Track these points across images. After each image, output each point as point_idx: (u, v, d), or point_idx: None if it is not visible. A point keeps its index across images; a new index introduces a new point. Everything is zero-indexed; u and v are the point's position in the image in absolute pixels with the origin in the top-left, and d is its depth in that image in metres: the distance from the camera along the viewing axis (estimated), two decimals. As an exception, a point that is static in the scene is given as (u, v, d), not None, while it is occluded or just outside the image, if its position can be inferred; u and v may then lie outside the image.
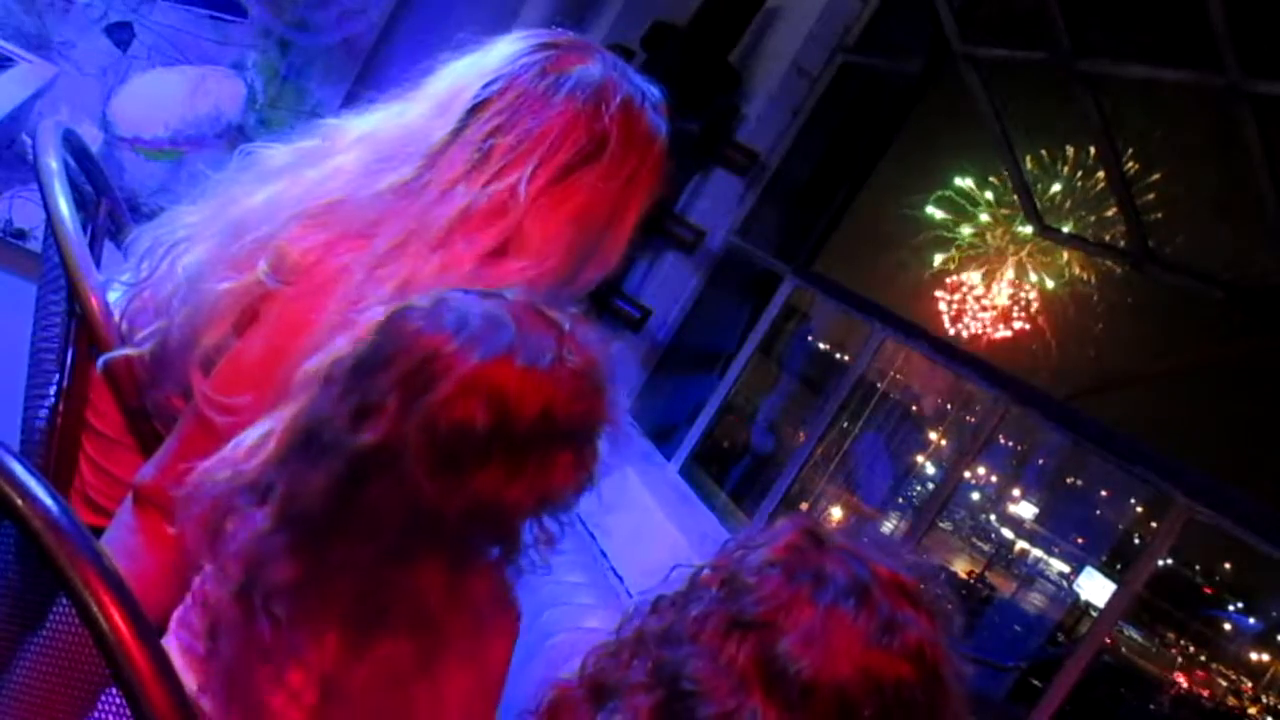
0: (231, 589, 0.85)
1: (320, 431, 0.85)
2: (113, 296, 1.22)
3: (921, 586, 0.90)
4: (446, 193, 1.06)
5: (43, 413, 1.26)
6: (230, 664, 0.85)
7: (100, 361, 1.15)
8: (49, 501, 0.69)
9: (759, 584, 0.87)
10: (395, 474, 0.82)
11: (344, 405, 0.85)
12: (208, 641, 0.87)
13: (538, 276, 1.08)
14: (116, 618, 0.64)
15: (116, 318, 1.19)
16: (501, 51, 1.13)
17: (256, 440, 0.90)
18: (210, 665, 0.87)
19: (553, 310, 0.91)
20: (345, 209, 1.06)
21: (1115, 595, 2.28)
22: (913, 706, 0.84)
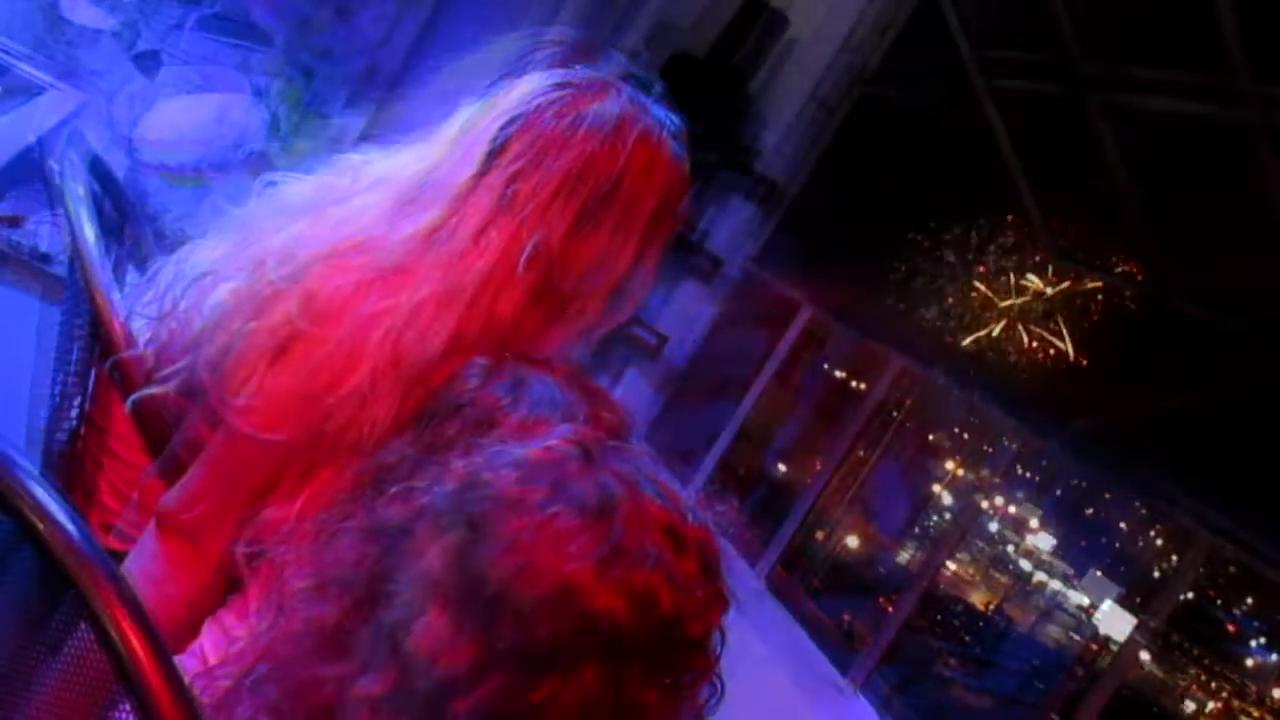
0: None
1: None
2: (136, 325, 1.23)
3: (703, 537, 0.74)
4: (476, 242, 1.06)
5: (62, 436, 1.27)
6: None
7: (130, 401, 1.15)
8: (70, 526, 0.70)
9: (492, 481, 0.75)
10: None
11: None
12: None
13: (578, 324, 1.09)
14: (136, 645, 0.64)
15: (140, 348, 1.20)
16: (519, 92, 1.14)
17: None
18: None
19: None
20: (371, 251, 1.06)
21: (1137, 629, 2.25)
22: (619, 653, 0.68)
